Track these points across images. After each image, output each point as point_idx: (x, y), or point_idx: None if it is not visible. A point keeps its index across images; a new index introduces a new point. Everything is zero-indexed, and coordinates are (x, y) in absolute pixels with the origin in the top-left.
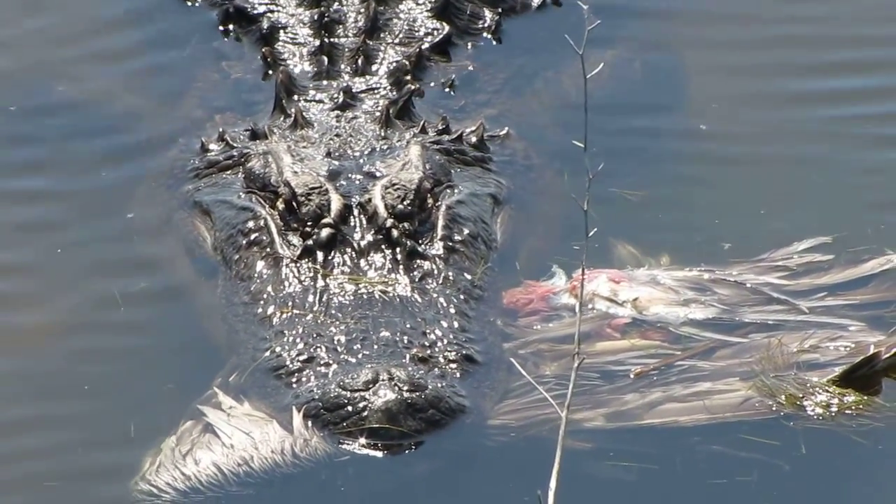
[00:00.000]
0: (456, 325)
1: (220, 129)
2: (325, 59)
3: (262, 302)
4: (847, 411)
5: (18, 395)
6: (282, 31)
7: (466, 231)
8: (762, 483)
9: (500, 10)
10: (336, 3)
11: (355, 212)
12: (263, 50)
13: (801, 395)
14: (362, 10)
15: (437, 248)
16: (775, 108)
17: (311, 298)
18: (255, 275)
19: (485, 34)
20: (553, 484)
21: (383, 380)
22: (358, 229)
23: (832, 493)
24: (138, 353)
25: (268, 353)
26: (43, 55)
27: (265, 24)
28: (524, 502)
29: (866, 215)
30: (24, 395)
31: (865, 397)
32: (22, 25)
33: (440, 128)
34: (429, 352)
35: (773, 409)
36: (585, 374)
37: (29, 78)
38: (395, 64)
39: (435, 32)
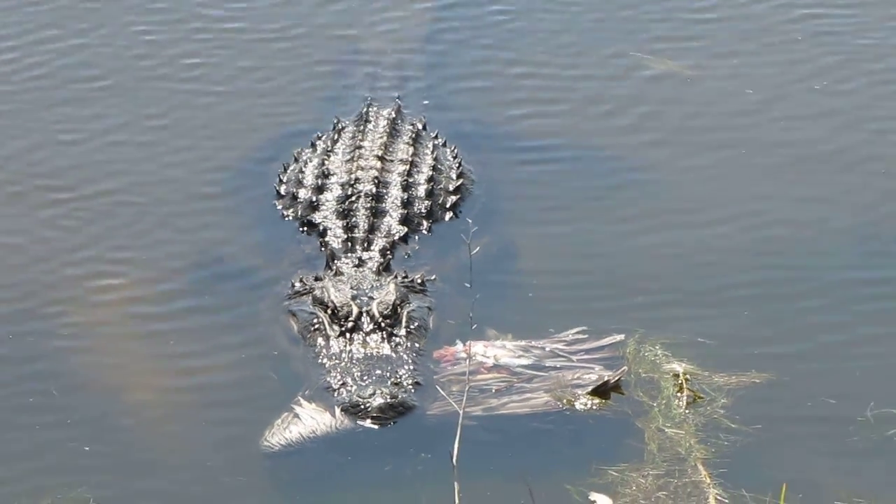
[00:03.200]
0: (412, 368)
1: (300, 277)
2: (350, 243)
3: (320, 357)
4: (594, 408)
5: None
6: (328, 231)
7: (416, 324)
8: (554, 440)
9: (431, 220)
10: (353, 218)
11: (364, 316)
12: (320, 240)
13: (573, 399)
14: (366, 221)
15: (402, 332)
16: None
17: (343, 355)
18: (318, 345)
19: (424, 231)
20: (456, 445)
21: (377, 394)
22: (365, 324)
23: (589, 446)
24: (260, 385)
25: (323, 381)
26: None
27: (321, 228)
28: (443, 453)
29: (611, 311)
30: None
31: (604, 401)
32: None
33: (403, 276)
34: (399, 380)
35: (561, 405)
36: (471, 391)
37: (199, 258)
38: (382, 246)
39: (400, 231)
